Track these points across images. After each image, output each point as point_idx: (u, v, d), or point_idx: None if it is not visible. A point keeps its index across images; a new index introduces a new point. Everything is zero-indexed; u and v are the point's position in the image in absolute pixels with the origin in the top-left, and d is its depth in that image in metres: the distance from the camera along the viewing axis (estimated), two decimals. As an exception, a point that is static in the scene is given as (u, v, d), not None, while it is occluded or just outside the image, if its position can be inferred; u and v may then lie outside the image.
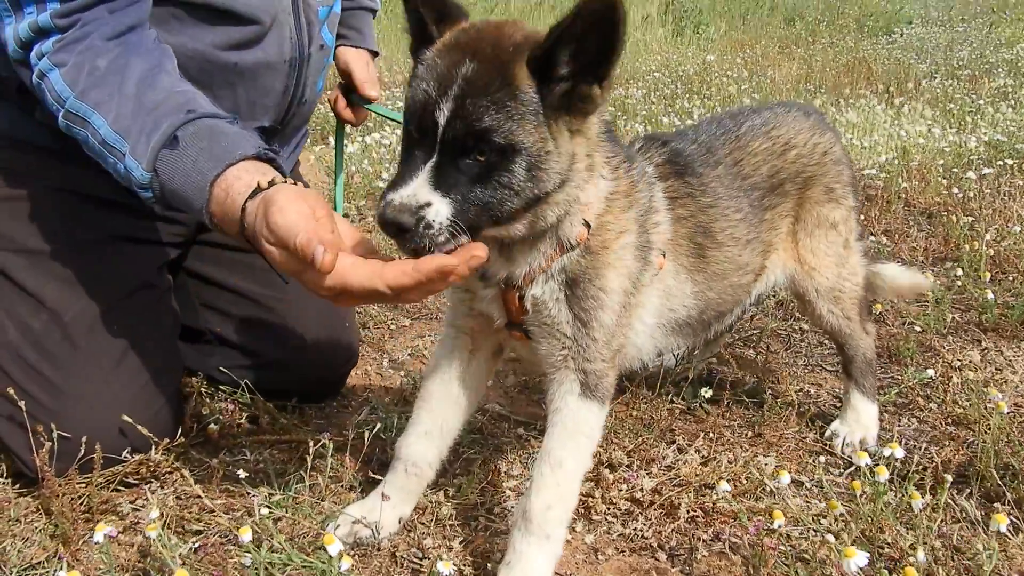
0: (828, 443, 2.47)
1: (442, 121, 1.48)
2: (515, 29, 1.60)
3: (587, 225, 1.73)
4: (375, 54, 2.86)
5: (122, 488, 2.19)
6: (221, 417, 2.46)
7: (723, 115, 2.36)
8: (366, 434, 2.22)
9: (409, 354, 3.13)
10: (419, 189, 1.48)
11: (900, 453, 1.82)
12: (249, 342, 2.56)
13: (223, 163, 1.71)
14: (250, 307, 2.57)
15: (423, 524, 2.11)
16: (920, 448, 2.37)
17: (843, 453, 2.41)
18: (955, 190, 4.55)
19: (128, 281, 2.25)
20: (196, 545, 1.92)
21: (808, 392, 2.81)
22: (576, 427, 1.82)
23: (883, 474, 1.75)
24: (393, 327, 3.37)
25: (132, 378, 2.18)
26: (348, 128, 2.97)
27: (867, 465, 1.77)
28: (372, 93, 2.73)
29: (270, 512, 1.95)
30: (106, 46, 1.87)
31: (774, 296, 3.45)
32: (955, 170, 4.91)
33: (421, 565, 1.95)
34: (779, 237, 2.32)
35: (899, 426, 2.57)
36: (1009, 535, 1.91)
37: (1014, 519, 2.05)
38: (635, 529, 2.10)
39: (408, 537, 2.05)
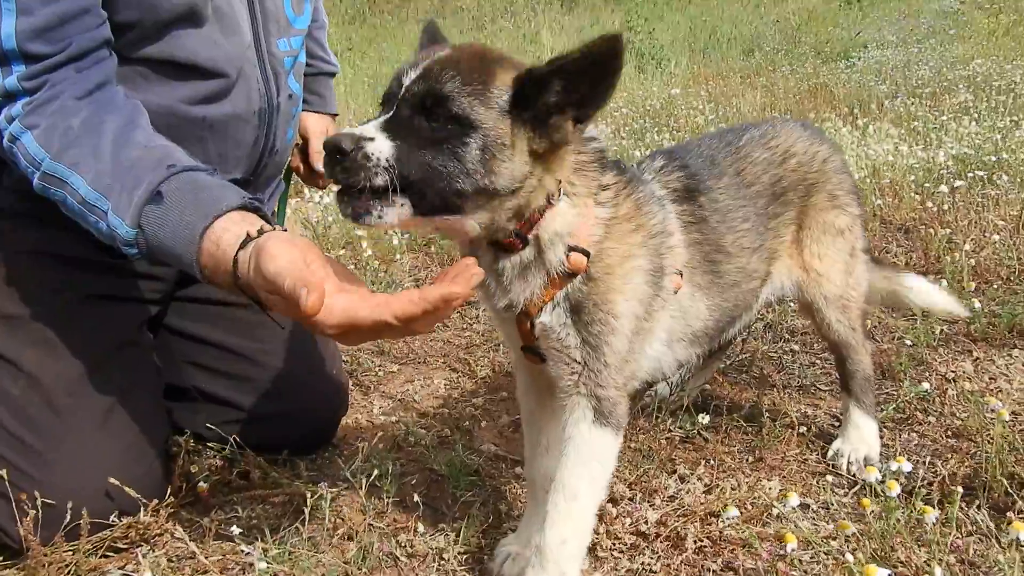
0: (832, 463, 2.43)
1: (407, 82, 1.51)
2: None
3: (586, 253, 1.71)
4: (335, 116, 2.98)
5: (111, 554, 2.12)
6: (211, 474, 2.38)
7: (724, 130, 2.39)
8: (363, 481, 2.16)
9: (399, 399, 3.08)
10: (366, 128, 1.48)
11: (908, 467, 1.79)
12: (236, 397, 2.51)
13: (211, 216, 1.68)
14: (235, 361, 2.51)
15: (424, 571, 2.05)
16: (924, 462, 2.34)
17: (847, 471, 2.38)
18: (929, 204, 4.59)
19: (108, 341, 2.19)
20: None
21: (805, 413, 2.78)
22: (590, 455, 1.78)
23: (895, 488, 1.72)
24: (381, 373, 3.31)
25: (116, 439, 2.12)
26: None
27: (876, 481, 1.73)
28: (319, 166, 2.76)
29: (268, 567, 1.88)
30: (77, 105, 1.85)
31: (762, 319, 3.44)
32: (927, 185, 4.96)
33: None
34: (783, 245, 2.32)
35: (900, 441, 2.54)
36: (1024, 544, 1.88)
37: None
38: (643, 563, 2.05)
39: (412, 586, 2.00)
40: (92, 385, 2.12)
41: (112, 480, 2.00)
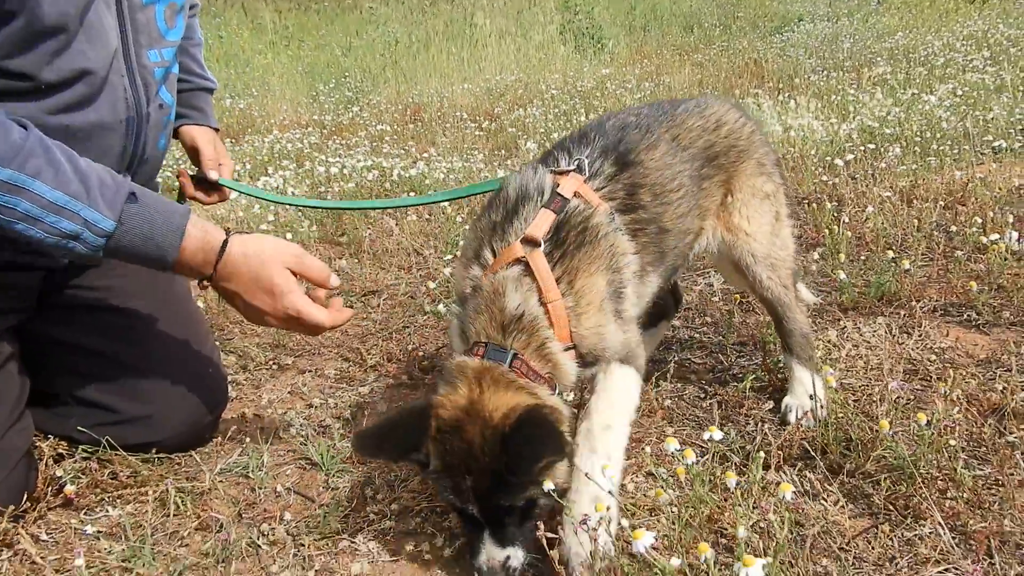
0: (780, 418, 2.57)
1: (479, 514, 1.90)
2: (476, 424, 1.90)
3: None
4: (217, 130, 3.10)
5: (-29, 560, 2.17)
6: (81, 476, 2.43)
7: (658, 102, 2.64)
8: (214, 478, 2.21)
9: (288, 392, 3.14)
10: (494, 552, 1.90)
11: (718, 435, 1.89)
12: (107, 400, 2.54)
13: (188, 213, 2.11)
14: (107, 365, 2.55)
15: (283, 558, 2.12)
16: (768, 429, 2.46)
17: (799, 424, 2.46)
18: (825, 178, 4.72)
19: (-39, 353, 2.23)
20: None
21: (672, 392, 2.89)
22: (616, 381, 2.15)
23: (690, 457, 1.82)
24: (275, 367, 3.37)
25: (-29, 449, 2.16)
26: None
27: (675, 450, 1.83)
28: (212, 175, 2.97)
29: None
30: (6, 123, 1.92)
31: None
32: (828, 158, 5.10)
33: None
34: (714, 204, 2.54)
35: (756, 409, 2.66)
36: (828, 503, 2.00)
37: (851, 486, 2.16)
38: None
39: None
40: (-54, 398, 2.16)
41: (-36, 489, 2.05)
